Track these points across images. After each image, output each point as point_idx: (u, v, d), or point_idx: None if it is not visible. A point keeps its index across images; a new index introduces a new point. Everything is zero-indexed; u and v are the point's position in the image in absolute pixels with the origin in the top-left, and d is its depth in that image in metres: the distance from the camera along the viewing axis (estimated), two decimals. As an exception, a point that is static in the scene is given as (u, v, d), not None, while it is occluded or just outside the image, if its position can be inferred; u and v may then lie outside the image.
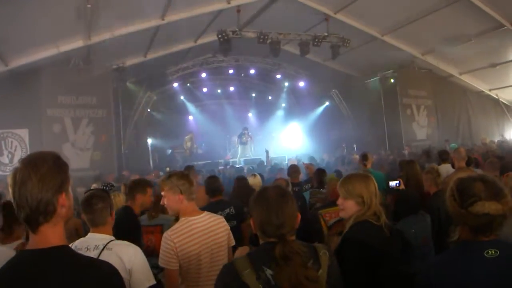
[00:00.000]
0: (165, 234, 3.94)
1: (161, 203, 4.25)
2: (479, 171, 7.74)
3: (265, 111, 30.02)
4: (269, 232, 2.61)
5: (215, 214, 4.35)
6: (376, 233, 3.43)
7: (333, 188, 6.45)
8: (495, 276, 2.35)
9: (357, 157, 17.65)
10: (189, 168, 9.59)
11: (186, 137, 24.72)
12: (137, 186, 5.66)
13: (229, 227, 4.34)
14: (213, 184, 6.29)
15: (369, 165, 9.40)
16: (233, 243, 4.33)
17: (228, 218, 5.69)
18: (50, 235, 2.07)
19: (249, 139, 25.29)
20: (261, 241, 2.69)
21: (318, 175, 8.72)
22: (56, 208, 2.06)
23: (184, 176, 4.19)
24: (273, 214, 2.61)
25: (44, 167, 2.05)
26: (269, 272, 2.46)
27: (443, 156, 9.25)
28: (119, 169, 17.18)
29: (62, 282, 1.98)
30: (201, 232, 4.01)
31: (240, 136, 25.00)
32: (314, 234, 5.51)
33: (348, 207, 3.67)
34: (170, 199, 4.09)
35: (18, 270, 2.02)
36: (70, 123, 16.73)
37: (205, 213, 4.23)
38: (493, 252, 2.38)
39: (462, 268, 2.43)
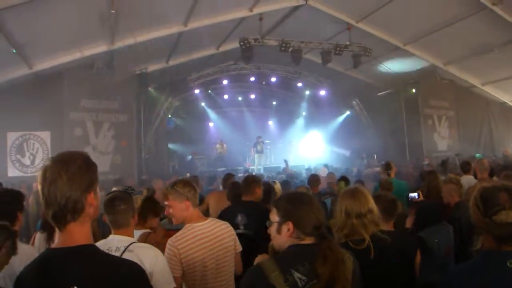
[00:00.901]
0: (168, 241, 3.94)
1: (165, 213, 4.20)
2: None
3: (286, 120, 30.05)
4: (309, 230, 2.70)
5: (220, 220, 4.36)
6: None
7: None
8: None
9: (375, 170, 17.62)
10: (230, 176, 9.45)
11: (218, 145, 24.89)
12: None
13: (235, 233, 4.33)
14: (235, 190, 6.30)
15: (392, 175, 9.33)
16: (239, 248, 4.32)
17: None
18: (77, 234, 2.10)
19: (264, 147, 25.38)
20: (287, 245, 2.73)
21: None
22: (85, 206, 2.09)
23: (188, 183, 4.20)
24: (318, 214, 2.75)
25: (74, 166, 2.09)
26: (296, 275, 2.51)
27: (465, 168, 9.16)
28: (138, 174, 17.29)
29: (89, 281, 2.00)
30: (206, 238, 4.01)
31: (255, 145, 25.11)
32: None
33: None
34: (177, 208, 4.07)
35: (45, 268, 2.05)
36: (91, 127, 16.92)
37: (210, 219, 4.25)
38: None
39: (483, 277, 2.42)
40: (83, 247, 2.09)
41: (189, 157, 25.52)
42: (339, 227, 3.66)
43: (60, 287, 1.98)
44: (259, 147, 24.95)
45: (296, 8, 16.18)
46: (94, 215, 2.20)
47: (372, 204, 3.72)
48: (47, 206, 2.07)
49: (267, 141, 26.71)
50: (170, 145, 23.56)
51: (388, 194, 4.82)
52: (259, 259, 3.20)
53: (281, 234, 2.76)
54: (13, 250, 3.21)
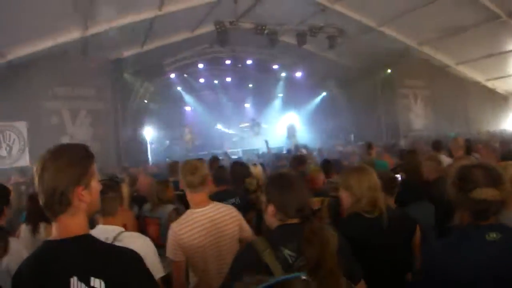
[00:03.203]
0: (171, 226, 3.96)
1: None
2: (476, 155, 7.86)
3: (262, 102, 30.04)
4: (292, 213, 2.75)
5: (225, 205, 4.28)
6: (365, 227, 3.51)
7: (312, 177, 6.83)
8: (495, 258, 2.45)
9: (339, 148, 17.82)
10: (215, 159, 9.46)
11: (186, 130, 24.70)
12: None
13: (241, 218, 4.26)
14: (220, 174, 6.32)
15: (373, 154, 9.43)
16: (247, 233, 4.25)
17: (233, 209, 5.74)
18: (71, 225, 2.11)
19: (260, 128, 25.55)
20: (276, 224, 2.81)
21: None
22: (71, 200, 2.08)
23: (185, 167, 4.18)
24: (298, 195, 2.78)
25: (63, 159, 2.09)
26: (287, 252, 2.58)
27: (436, 146, 9.41)
28: (117, 161, 17.16)
29: (89, 270, 2.02)
30: (205, 224, 3.96)
31: (252, 128, 25.20)
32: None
33: (343, 199, 3.82)
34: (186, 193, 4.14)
35: (43, 260, 2.06)
36: (68, 115, 16.74)
37: (213, 204, 4.16)
38: (494, 236, 2.49)
39: (464, 250, 2.53)
40: (79, 237, 2.10)
41: (167, 142, 25.43)
42: (356, 202, 3.68)
43: (59, 278, 2.00)
44: (256, 129, 25.04)
45: (271, -10, 16.11)
46: (89, 210, 2.21)
47: None
48: (39, 196, 2.09)
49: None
50: (148, 131, 23.44)
51: (389, 172, 4.90)
52: None
53: (268, 214, 2.85)
54: (4, 251, 3.20)
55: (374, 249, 3.38)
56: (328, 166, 8.19)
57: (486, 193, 2.48)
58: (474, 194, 2.50)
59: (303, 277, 1.46)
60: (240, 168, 7.45)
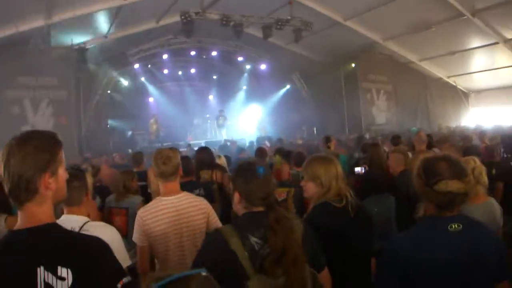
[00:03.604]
0: (138, 211, 4.05)
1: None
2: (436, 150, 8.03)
3: (226, 93, 29.98)
4: (257, 201, 2.79)
5: (195, 196, 4.33)
6: (336, 215, 3.51)
7: (278, 169, 6.95)
8: (458, 248, 2.50)
9: (300, 141, 17.99)
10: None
11: (151, 120, 24.41)
12: None
13: (209, 211, 4.26)
14: (184, 165, 6.31)
15: (332, 147, 9.60)
16: (215, 226, 4.16)
17: (197, 199, 5.74)
18: (37, 214, 2.06)
19: (225, 121, 25.43)
20: (242, 212, 2.86)
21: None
22: (37, 187, 2.04)
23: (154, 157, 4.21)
24: (263, 183, 2.81)
25: (30, 145, 2.04)
26: (253, 239, 2.61)
27: (395, 141, 9.65)
28: (79, 151, 16.94)
29: (55, 259, 1.98)
30: (170, 213, 3.97)
31: (217, 119, 25.09)
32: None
33: (308, 189, 3.77)
34: (151, 180, 4.14)
35: (7, 250, 2.01)
36: (29, 104, 16.46)
37: (183, 194, 4.17)
38: (457, 226, 2.54)
39: (427, 241, 2.58)
40: (46, 226, 2.06)
41: (129, 133, 25.14)
42: (326, 192, 3.66)
43: (26, 268, 1.95)
44: (220, 121, 24.92)
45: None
46: (55, 198, 2.16)
47: None
48: (5, 183, 2.04)
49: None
50: (110, 121, 23.12)
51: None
52: None
53: (234, 202, 2.89)
54: None
55: (344, 237, 3.42)
56: (289, 158, 8.31)
57: (451, 185, 2.52)
58: (439, 187, 2.54)
59: (203, 273, 1.49)
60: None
